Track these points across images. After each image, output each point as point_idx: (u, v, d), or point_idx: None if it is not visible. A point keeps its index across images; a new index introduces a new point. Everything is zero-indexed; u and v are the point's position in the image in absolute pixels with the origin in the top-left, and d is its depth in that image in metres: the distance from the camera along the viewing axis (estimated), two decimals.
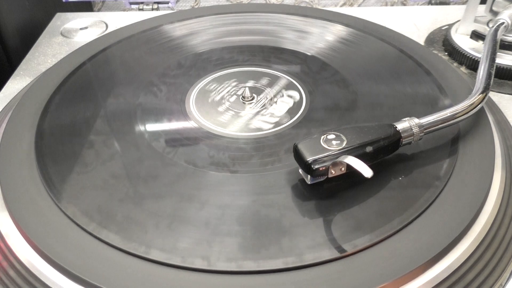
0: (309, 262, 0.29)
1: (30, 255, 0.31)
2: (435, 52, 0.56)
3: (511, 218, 0.35)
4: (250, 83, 0.47)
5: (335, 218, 0.32)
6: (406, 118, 0.36)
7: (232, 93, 0.46)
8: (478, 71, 0.42)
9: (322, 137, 0.34)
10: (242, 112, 0.43)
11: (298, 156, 0.33)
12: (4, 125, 0.42)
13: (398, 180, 0.35)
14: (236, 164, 0.37)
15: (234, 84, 0.47)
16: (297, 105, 0.44)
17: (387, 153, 0.35)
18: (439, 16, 0.65)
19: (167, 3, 0.70)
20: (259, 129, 0.41)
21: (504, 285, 0.32)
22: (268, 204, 0.33)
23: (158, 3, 0.70)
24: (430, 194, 0.34)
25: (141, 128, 0.41)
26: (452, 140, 0.38)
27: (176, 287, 0.28)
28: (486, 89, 0.40)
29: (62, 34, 0.63)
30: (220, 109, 0.44)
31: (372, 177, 0.31)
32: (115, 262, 0.30)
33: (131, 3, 0.70)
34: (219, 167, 0.37)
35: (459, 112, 0.37)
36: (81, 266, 0.29)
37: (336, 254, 0.30)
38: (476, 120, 0.40)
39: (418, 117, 0.36)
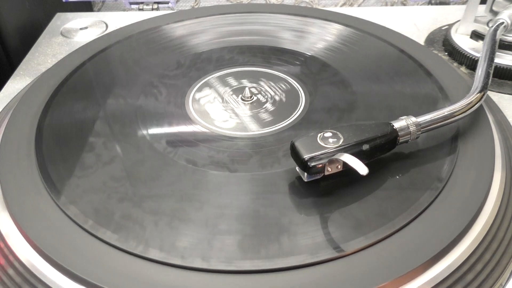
0: (309, 261, 0.29)
1: (30, 255, 0.31)
2: (435, 52, 0.56)
3: (511, 218, 0.35)
4: (250, 83, 0.47)
5: (335, 218, 0.32)
6: (404, 117, 0.36)
7: (232, 93, 0.46)
8: (477, 70, 0.42)
9: (319, 134, 0.34)
10: (242, 112, 0.43)
11: (295, 153, 0.34)
12: (4, 125, 0.42)
13: (398, 179, 0.35)
14: (236, 164, 0.37)
15: (234, 84, 0.47)
16: (296, 105, 0.44)
17: (384, 152, 0.35)
18: (439, 16, 0.65)
19: (167, 3, 0.70)
20: (259, 129, 0.41)
21: (504, 285, 0.32)
22: (267, 204, 0.33)
23: (158, 3, 0.70)
24: (430, 193, 0.34)
25: (141, 128, 0.41)
26: (452, 140, 0.38)
27: (175, 287, 0.28)
28: (484, 88, 0.40)
29: (62, 34, 0.63)
30: (220, 109, 0.44)
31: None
32: (115, 262, 0.30)
33: (131, 3, 0.70)
34: (218, 167, 0.37)
35: (456, 111, 0.37)
36: (81, 266, 0.29)
37: (335, 254, 0.30)
38: (476, 120, 0.40)
39: (416, 117, 0.36)
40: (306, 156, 0.33)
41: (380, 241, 0.30)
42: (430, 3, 0.73)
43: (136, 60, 0.51)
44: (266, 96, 0.45)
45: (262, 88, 0.46)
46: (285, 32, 0.55)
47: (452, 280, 0.30)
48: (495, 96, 0.49)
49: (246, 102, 0.45)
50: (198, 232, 0.31)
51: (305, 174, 0.34)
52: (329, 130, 0.34)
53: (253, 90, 0.46)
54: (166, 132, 0.41)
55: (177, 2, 0.93)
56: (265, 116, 0.43)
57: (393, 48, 0.51)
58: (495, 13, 0.52)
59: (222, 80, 0.48)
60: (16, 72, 0.55)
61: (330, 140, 0.34)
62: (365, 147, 0.34)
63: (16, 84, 0.53)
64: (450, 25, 0.60)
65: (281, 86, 0.47)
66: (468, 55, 0.53)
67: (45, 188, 0.35)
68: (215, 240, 0.31)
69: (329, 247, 0.30)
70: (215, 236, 0.31)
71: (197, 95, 0.46)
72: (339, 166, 0.34)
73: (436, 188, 0.34)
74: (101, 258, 0.30)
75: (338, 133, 0.34)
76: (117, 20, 0.65)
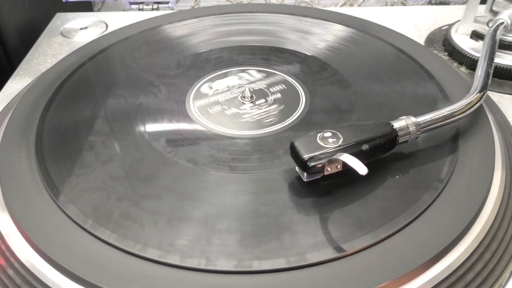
0: (309, 261, 0.29)
1: (30, 255, 0.31)
2: (435, 52, 0.56)
3: (511, 218, 0.35)
4: (250, 83, 0.47)
5: (335, 218, 0.32)
6: (403, 117, 0.36)
7: (231, 93, 0.46)
8: (477, 70, 0.42)
9: (319, 134, 0.34)
10: (242, 112, 0.43)
11: (295, 153, 0.34)
12: (4, 125, 0.42)
13: (398, 179, 0.35)
14: (236, 163, 0.37)
15: (234, 84, 0.47)
16: (296, 105, 0.44)
17: (383, 151, 0.36)
18: (439, 16, 0.65)
19: (167, 3, 0.70)
20: (259, 129, 0.41)
21: (504, 285, 0.32)
22: (267, 204, 0.33)
23: (158, 3, 0.70)
24: (431, 193, 0.34)
25: (141, 128, 0.41)
26: (452, 140, 0.38)
27: (174, 286, 0.28)
28: (484, 88, 0.40)
29: (62, 34, 0.63)
30: (220, 109, 0.44)
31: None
32: (115, 262, 0.30)
33: (131, 3, 0.70)
34: (219, 166, 0.37)
35: (456, 111, 0.37)
36: (80, 265, 0.29)
37: (336, 253, 0.30)
38: (476, 120, 0.40)
39: (416, 117, 0.36)
40: (305, 156, 0.33)
41: (381, 241, 0.30)
42: (430, 3, 0.73)
43: (136, 60, 0.51)
44: (266, 96, 0.45)
45: (262, 88, 0.46)
46: (285, 32, 0.55)
47: (452, 280, 0.30)
48: (495, 96, 0.49)
49: (246, 102, 0.45)
50: (198, 231, 0.31)
51: (305, 174, 0.34)
52: (329, 130, 0.34)
53: (253, 89, 0.46)
54: (166, 131, 0.41)
55: (177, 2, 0.93)
56: (265, 115, 0.43)
57: (393, 48, 0.51)
58: (495, 13, 0.52)
59: (222, 79, 0.48)
60: (16, 72, 0.55)
61: (330, 140, 0.34)
62: (365, 147, 0.34)
63: (16, 84, 0.53)
64: (450, 25, 0.60)
65: (281, 86, 0.47)
66: (468, 55, 0.53)
67: (44, 187, 0.35)
68: (215, 240, 0.31)
69: (329, 247, 0.30)
70: (215, 235, 0.31)
71: (197, 95, 0.46)
72: (339, 166, 0.34)
73: (436, 188, 0.34)
74: (100, 257, 0.30)
75: (337, 133, 0.34)
76: (117, 20, 0.65)
